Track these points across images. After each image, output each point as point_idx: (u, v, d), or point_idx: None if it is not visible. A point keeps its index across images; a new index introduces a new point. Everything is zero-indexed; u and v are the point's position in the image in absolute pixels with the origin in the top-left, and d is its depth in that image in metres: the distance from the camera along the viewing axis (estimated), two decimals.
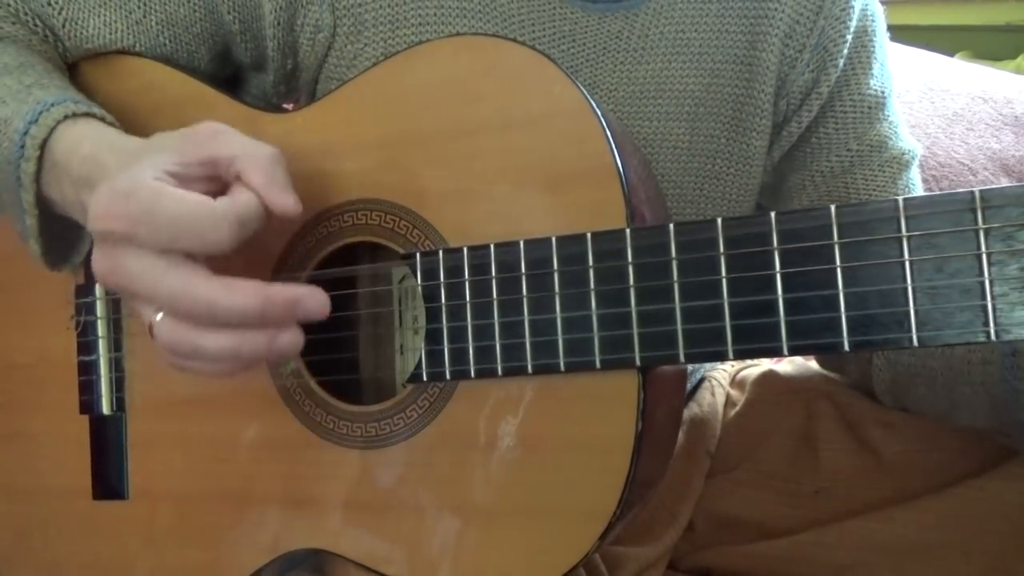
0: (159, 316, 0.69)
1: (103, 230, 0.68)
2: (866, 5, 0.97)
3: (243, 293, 0.67)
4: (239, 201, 0.68)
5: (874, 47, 0.98)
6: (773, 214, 0.66)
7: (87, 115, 0.79)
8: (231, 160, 0.70)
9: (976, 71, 1.74)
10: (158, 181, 0.68)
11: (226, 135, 0.72)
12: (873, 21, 0.98)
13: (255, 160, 0.70)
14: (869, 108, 0.98)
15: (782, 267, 0.65)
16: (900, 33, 1.34)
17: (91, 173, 0.73)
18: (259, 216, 0.69)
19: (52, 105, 0.78)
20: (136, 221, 0.66)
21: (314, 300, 0.69)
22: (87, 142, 0.76)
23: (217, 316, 0.67)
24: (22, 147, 0.77)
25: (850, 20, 0.95)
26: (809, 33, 0.94)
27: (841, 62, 0.96)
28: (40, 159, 0.77)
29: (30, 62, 0.85)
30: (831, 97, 0.97)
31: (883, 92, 0.99)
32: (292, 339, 0.69)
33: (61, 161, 0.77)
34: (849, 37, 0.95)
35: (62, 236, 0.83)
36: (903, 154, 0.99)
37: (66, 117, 0.77)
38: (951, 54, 2.14)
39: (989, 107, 1.59)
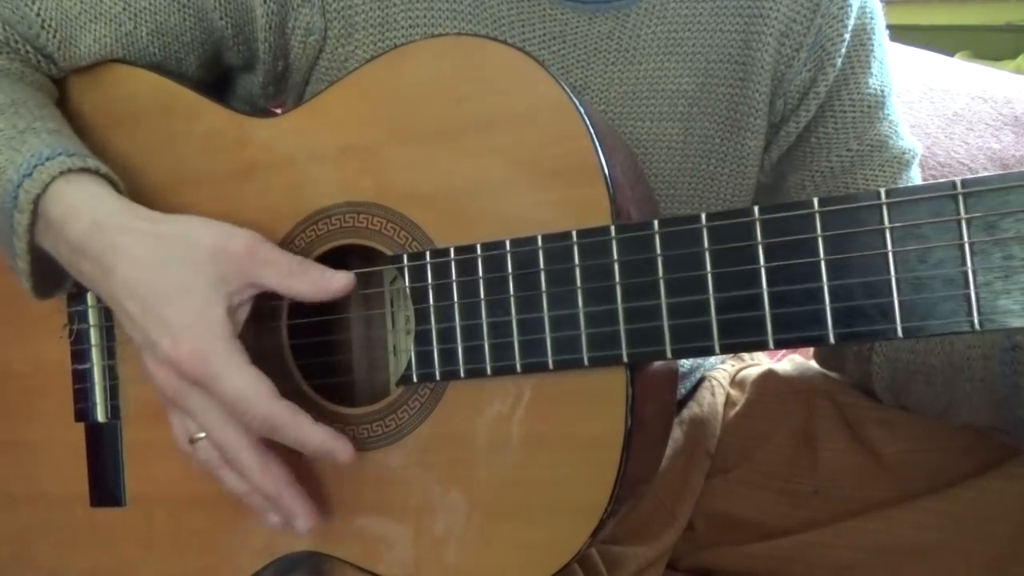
0: (202, 435, 0.78)
1: (183, 371, 0.75)
2: (864, 3, 0.97)
3: (269, 478, 0.76)
4: (294, 418, 0.75)
5: (873, 46, 0.98)
6: (756, 208, 0.66)
7: (82, 170, 0.80)
8: (274, 289, 0.77)
9: (976, 71, 1.74)
10: (232, 341, 0.75)
11: (265, 259, 0.77)
12: (872, 19, 0.98)
13: (294, 285, 0.77)
14: (869, 107, 0.98)
15: (766, 261, 0.65)
16: (900, 33, 1.33)
17: (97, 250, 0.78)
18: (293, 441, 0.76)
19: (47, 160, 0.79)
20: (209, 380, 0.74)
21: (305, 521, 0.78)
22: (85, 210, 0.79)
23: (241, 475, 0.77)
24: (15, 198, 0.79)
25: (848, 18, 0.94)
26: (806, 32, 0.93)
27: (839, 61, 0.95)
28: (34, 212, 0.79)
29: (22, 99, 0.86)
30: (830, 96, 0.97)
31: (883, 91, 0.99)
32: (279, 524, 0.79)
33: (56, 223, 0.79)
34: (847, 36, 0.95)
35: (52, 273, 0.85)
36: (903, 153, 0.99)
37: (61, 173, 0.79)
38: (951, 54, 2.13)
39: (989, 107, 1.59)
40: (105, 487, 0.91)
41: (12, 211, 0.79)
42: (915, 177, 1.01)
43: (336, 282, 0.77)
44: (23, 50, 0.89)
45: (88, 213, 0.78)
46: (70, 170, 0.79)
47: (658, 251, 0.69)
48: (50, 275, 0.85)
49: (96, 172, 0.81)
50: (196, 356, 0.74)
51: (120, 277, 0.76)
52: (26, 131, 0.82)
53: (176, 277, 0.76)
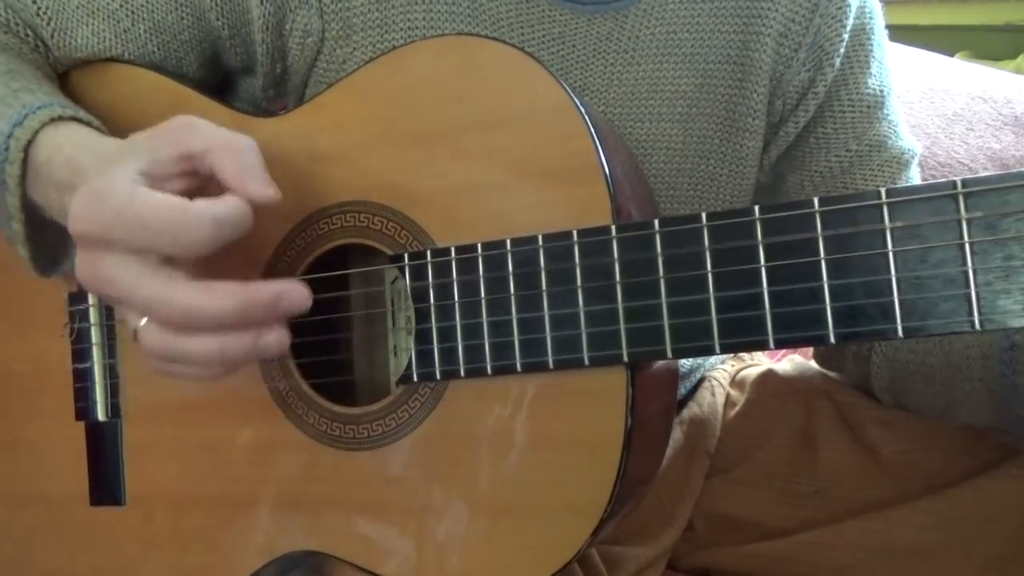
0: (143, 321, 0.69)
1: (80, 233, 0.68)
2: (863, 3, 0.97)
3: (223, 295, 0.66)
4: (216, 201, 0.67)
5: (872, 46, 0.98)
6: (757, 207, 0.66)
7: (72, 119, 0.79)
8: (204, 153, 0.69)
9: (976, 71, 1.74)
10: (132, 183, 0.67)
11: (198, 127, 0.71)
12: (871, 19, 0.98)
13: (227, 152, 0.69)
14: (868, 107, 0.98)
15: (767, 260, 0.65)
16: (900, 33, 1.33)
17: (72, 177, 0.73)
18: (239, 216, 0.67)
19: (38, 108, 0.78)
20: (110, 224, 0.66)
21: (296, 294, 0.69)
22: (68, 145, 0.76)
23: (197, 320, 0.67)
24: (6, 149, 0.77)
25: (847, 18, 0.94)
26: (805, 32, 0.93)
27: (838, 61, 0.95)
28: (24, 162, 0.77)
29: (19, 69, 0.85)
30: (829, 96, 0.97)
31: (882, 91, 0.99)
32: (278, 337, 0.69)
33: (44, 165, 0.76)
34: (846, 36, 0.95)
35: (51, 242, 0.83)
36: (903, 153, 0.99)
37: (52, 120, 0.77)
38: (951, 54, 2.13)
39: (989, 107, 1.59)
40: (105, 486, 0.91)
41: (3, 164, 0.77)
42: (914, 177, 1.01)
43: (264, 188, 0.69)
44: (23, 34, 0.90)
45: (70, 148, 0.75)
46: (60, 117, 0.78)
47: (659, 250, 0.69)
48: (50, 247, 0.83)
49: (88, 124, 0.79)
50: (90, 204, 0.67)
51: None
52: (20, 90, 0.81)
53: (108, 160, 0.71)
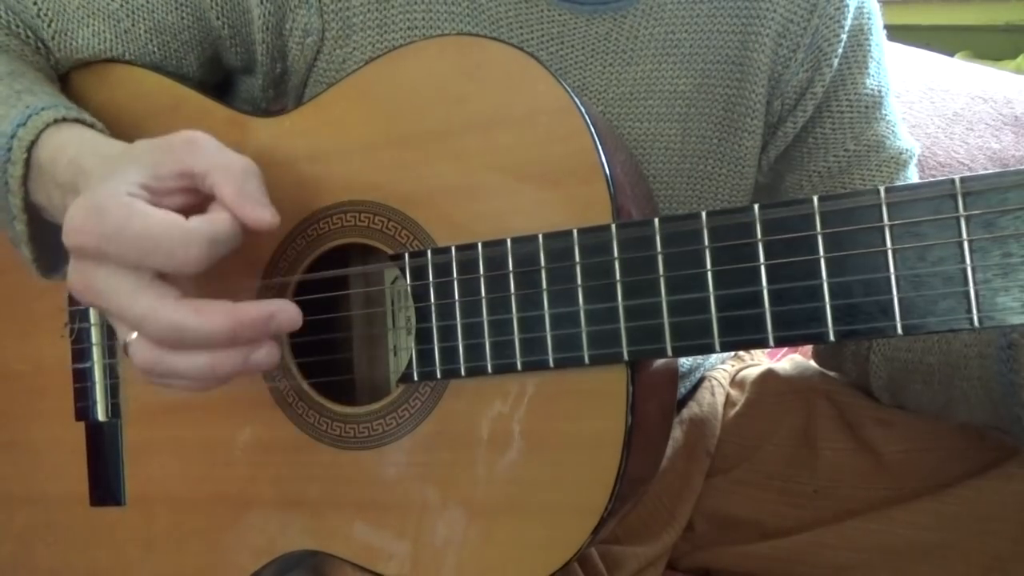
0: (134, 335, 0.69)
1: (75, 245, 0.68)
2: (862, 3, 0.97)
3: (213, 315, 0.67)
4: (212, 220, 0.68)
5: (870, 46, 0.98)
6: (756, 206, 0.66)
7: (76, 120, 0.79)
8: (204, 174, 0.69)
9: (976, 71, 1.74)
10: (130, 196, 0.67)
11: (200, 146, 0.70)
12: (869, 19, 0.98)
13: (227, 174, 0.69)
14: (866, 107, 0.98)
15: (766, 258, 0.65)
16: (900, 33, 1.34)
17: (75, 178, 0.73)
18: (234, 235, 0.68)
19: (41, 109, 0.78)
20: (106, 238, 0.66)
21: (286, 314, 0.69)
22: (71, 147, 0.76)
23: (186, 339, 0.67)
24: (9, 150, 0.77)
25: (844, 19, 0.95)
26: (803, 32, 0.94)
27: (836, 61, 0.95)
28: (27, 163, 0.77)
29: (21, 70, 0.85)
30: (827, 97, 0.97)
31: (880, 91, 0.99)
32: (267, 354, 0.70)
33: (47, 165, 0.76)
34: (844, 36, 0.95)
35: (54, 243, 0.81)
36: (901, 153, 0.99)
37: (55, 121, 0.77)
38: (951, 54, 2.13)
39: (989, 107, 1.59)
40: (105, 487, 0.91)
41: (6, 164, 0.77)
42: (912, 177, 1.01)
43: (261, 213, 0.69)
44: (24, 35, 0.90)
45: (74, 149, 0.75)
46: (64, 119, 0.78)
47: (659, 248, 0.69)
48: (52, 248, 0.82)
49: (92, 126, 0.79)
50: (87, 216, 0.67)
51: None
52: (23, 91, 0.81)
53: (110, 166, 0.71)
